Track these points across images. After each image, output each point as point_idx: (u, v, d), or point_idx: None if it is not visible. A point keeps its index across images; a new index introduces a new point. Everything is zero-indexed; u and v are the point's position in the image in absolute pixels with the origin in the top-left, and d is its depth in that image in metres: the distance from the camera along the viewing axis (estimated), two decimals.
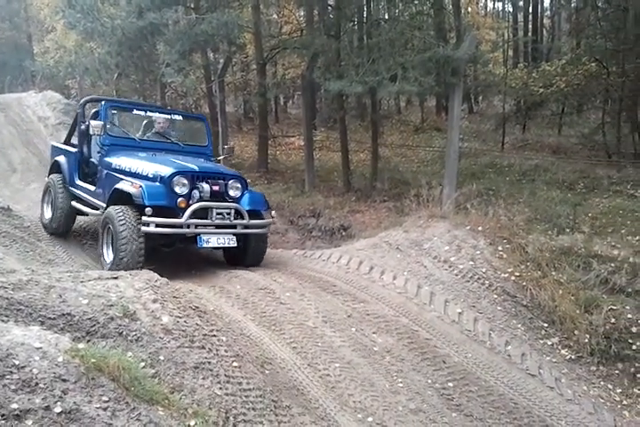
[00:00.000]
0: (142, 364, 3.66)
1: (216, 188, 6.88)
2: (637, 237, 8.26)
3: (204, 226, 6.78)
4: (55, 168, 9.07)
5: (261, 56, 16.43)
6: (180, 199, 6.64)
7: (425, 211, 8.81)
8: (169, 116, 8.40)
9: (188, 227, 6.63)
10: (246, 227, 7.10)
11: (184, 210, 6.61)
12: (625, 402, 5.85)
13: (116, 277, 4.87)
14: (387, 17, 16.53)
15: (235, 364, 4.30)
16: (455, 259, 7.47)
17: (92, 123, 7.39)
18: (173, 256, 7.66)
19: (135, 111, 8.24)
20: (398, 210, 11.02)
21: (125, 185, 6.76)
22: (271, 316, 5.73)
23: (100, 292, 4.45)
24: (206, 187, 6.80)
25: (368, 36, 14.38)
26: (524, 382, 5.63)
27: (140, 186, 6.47)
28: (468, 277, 7.13)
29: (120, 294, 4.50)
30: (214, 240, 6.78)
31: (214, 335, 4.54)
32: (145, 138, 8.06)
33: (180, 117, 8.70)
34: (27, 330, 3.28)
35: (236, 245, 6.97)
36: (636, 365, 6.20)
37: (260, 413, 3.92)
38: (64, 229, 8.63)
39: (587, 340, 6.41)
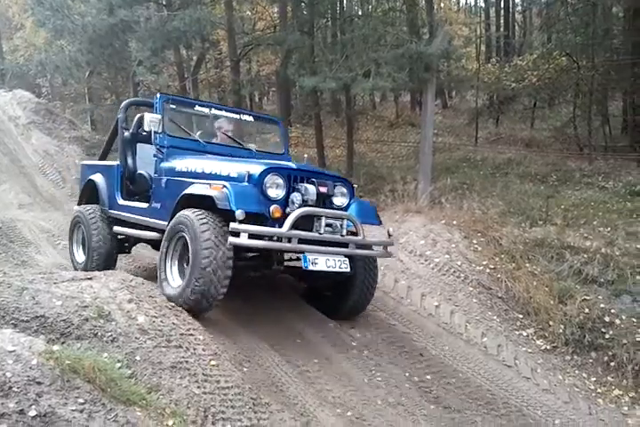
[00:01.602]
0: (118, 365, 3.63)
1: (323, 189, 5.11)
2: (609, 229, 8.39)
3: (310, 241, 4.96)
4: (88, 194, 7.31)
5: (235, 53, 16.35)
6: (273, 206, 4.83)
7: (400, 206, 8.88)
8: (237, 117, 6.77)
9: (290, 240, 4.79)
10: (360, 246, 5.31)
11: (279, 220, 4.83)
12: (599, 390, 5.96)
13: (89, 278, 4.82)
14: (360, 13, 16.59)
15: (212, 362, 4.28)
16: (431, 253, 7.54)
17: (148, 116, 5.82)
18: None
19: (197, 108, 6.58)
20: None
21: (200, 188, 5.05)
22: (247, 314, 5.72)
23: (74, 293, 4.40)
24: (311, 188, 5.04)
25: (341, 33, 14.45)
26: (500, 373, 5.71)
27: (224, 186, 4.78)
28: (444, 270, 7.20)
29: (94, 294, 4.46)
30: (322, 262, 4.94)
31: (191, 334, 4.52)
32: (212, 141, 6.35)
33: (251, 118, 7.04)
34: None
35: (349, 270, 5.14)
36: (610, 353, 6.32)
37: (238, 410, 3.91)
38: (106, 269, 6.58)
39: (561, 330, 6.52)
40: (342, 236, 5.10)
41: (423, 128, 12.06)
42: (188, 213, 4.87)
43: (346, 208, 5.36)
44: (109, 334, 4.02)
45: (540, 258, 7.45)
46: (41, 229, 9.50)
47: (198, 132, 6.32)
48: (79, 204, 7.40)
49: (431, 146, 12.03)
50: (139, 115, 6.93)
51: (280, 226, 4.77)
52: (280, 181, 4.97)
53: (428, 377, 5.28)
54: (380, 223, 5.95)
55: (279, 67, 15.42)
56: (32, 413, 2.63)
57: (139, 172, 6.55)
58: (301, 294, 6.32)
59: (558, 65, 15.97)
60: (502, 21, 25.94)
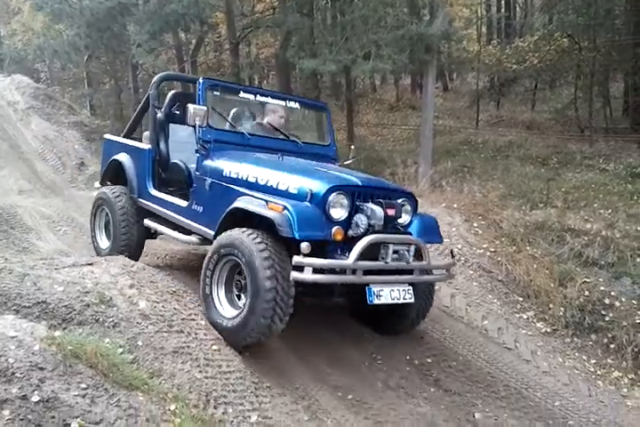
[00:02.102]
0: (120, 350, 3.65)
1: (391, 212, 4.51)
2: (609, 211, 8.39)
3: (377, 271, 4.41)
4: (112, 173, 6.59)
5: (234, 35, 16.23)
6: (335, 228, 4.26)
7: None
8: (283, 103, 5.93)
9: (355, 272, 4.21)
10: (424, 271, 4.79)
11: (341, 245, 4.33)
12: (599, 372, 6.00)
13: (90, 264, 4.83)
14: None
15: (214, 347, 4.31)
16: None
17: (192, 108, 5.00)
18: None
19: (242, 94, 5.75)
20: None
21: (254, 204, 4.42)
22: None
23: (76, 279, 4.41)
24: (378, 211, 4.42)
25: (341, 14, 14.28)
26: (500, 355, 5.74)
27: (284, 207, 4.16)
28: (444, 254, 7.20)
29: (96, 280, 4.47)
30: (387, 293, 4.42)
31: (193, 319, 4.54)
32: (256, 133, 5.63)
33: (297, 105, 6.11)
34: (1, 319, 3.26)
35: (413, 300, 4.61)
36: (609, 335, 6.35)
37: (240, 394, 3.94)
38: (132, 258, 5.86)
39: (561, 313, 6.54)
40: (408, 263, 4.50)
41: (424, 111, 12.01)
42: (243, 238, 4.25)
43: (408, 224, 4.90)
44: (111, 319, 4.04)
45: (541, 241, 7.45)
46: (41, 215, 9.49)
47: (241, 122, 5.68)
48: (102, 183, 6.71)
49: (432, 129, 12.00)
50: (172, 92, 6.51)
51: (340, 250, 4.33)
52: (345, 201, 4.38)
53: (429, 360, 5.30)
54: (442, 241, 5.37)
55: (278, 49, 15.29)
56: (35, 398, 2.65)
57: (173, 161, 5.82)
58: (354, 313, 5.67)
59: (559, 46, 15.87)
60: (503, 2, 25.69)
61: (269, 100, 5.85)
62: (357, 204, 4.50)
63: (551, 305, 6.65)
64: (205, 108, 5.09)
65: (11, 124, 16.34)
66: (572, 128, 15.50)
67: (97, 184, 6.92)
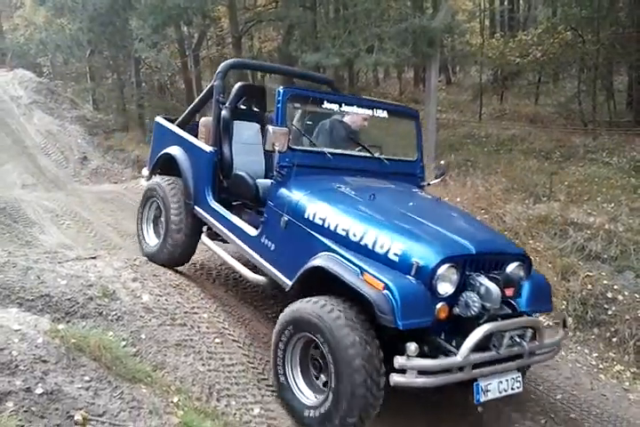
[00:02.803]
0: (123, 343, 3.68)
1: (510, 292, 3.71)
2: (612, 205, 8.36)
3: (487, 363, 3.60)
4: (163, 164, 5.83)
5: (236, 29, 16.18)
6: (440, 305, 3.46)
7: None
8: (370, 113, 4.97)
9: (462, 369, 3.45)
10: (533, 353, 3.95)
11: (443, 324, 3.53)
12: (601, 366, 5.99)
13: (94, 257, 4.87)
14: None
15: (217, 340, 4.34)
16: None
17: (273, 130, 4.11)
18: None
19: (326, 104, 4.73)
20: None
21: (342, 268, 3.59)
22: (253, 292, 5.76)
23: (79, 272, 4.44)
24: (494, 290, 3.55)
25: (344, 7, 14.22)
26: None
27: (385, 285, 3.33)
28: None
29: (99, 273, 4.50)
30: (495, 386, 3.64)
31: (195, 313, 4.57)
32: (339, 152, 4.69)
33: (385, 114, 5.03)
34: (5, 312, 3.27)
35: (522, 389, 3.82)
36: (612, 329, 6.34)
37: (243, 387, 3.97)
38: (182, 262, 5.67)
39: (564, 306, 6.53)
40: (523, 347, 3.69)
41: (426, 104, 11.99)
42: (324, 316, 3.44)
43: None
44: (114, 312, 4.06)
45: (544, 235, 7.44)
46: (45, 209, 9.52)
47: (321, 138, 4.86)
48: (151, 173, 6.00)
49: (435, 123, 11.97)
50: (238, 85, 5.64)
51: (443, 332, 3.55)
52: (455, 276, 3.55)
53: None
54: (552, 309, 4.64)
55: (281, 43, 15.27)
56: (39, 390, 2.66)
57: (238, 173, 5.03)
58: None
59: (563, 39, 15.78)
60: None
61: (355, 109, 4.92)
62: (467, 274, 3.65)
63: (554, 299, 6.63)
64: (288, 129, 4.21)
65: (14, 119, 16.38)
66: (576, 122, 15.44)
67: (145, 172, 6.17)
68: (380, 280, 3.37)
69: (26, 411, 2.53)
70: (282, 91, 4.46)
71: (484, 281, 3.58)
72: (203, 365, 3.95)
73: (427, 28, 10.86)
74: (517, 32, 19.78)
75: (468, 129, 16.34)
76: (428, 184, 5.36)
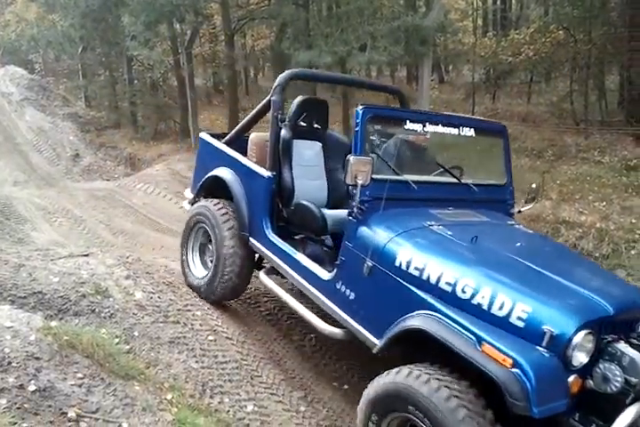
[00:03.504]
0: (116, 340, 3.67)
1: None
2: (604, 203, 8.42)
3: None
4: (211, 186, 5.09)
5: (229, 27, 16.15)
6: (572, 378, 2.82)
7: None
8: (456, 132, 4.16)
9: None
10: None
11: (572, 398, 2.81)
12: None
13: (86, 255, 4.85)
14: None
15: (210, 337, 4.33)
16: None
17: (354, 160, 3.38)
18: None
19: (409, 125, 3.95)
20: None
21: (452, 334, 2.91)
22: (246, 289, 5.75)
23: (71, 269, 4.43)
24: (638, 359, 2.84)
25: (337, 5, 14.22)
26: None
27: (514, 362, 2.67)
28: None
29: (91, 271, 4.48)
30: None
31: (189, 310, 4.56)
32: (423, 180, 3.99)
33: (472, 132, 4.23)
34: None
35: None
36: None
37: (236, 384, 3.97)
38: (233, 297, 5.07)
39: None
40: None
41: (419, 103, 12.01)
42: (430, 393, 2.78)
43: None
44: (107, 310, 4.05)
45: None
46: (36, 206, 9.49)
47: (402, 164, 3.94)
48: (196, 196, 5.25)
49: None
50: (299, 99, 4.86)
51: (572, 408, 2.85)
52: (591, 343, 2.87)
53: None
54: None
55: (274, 41, 15.26)
56: (31, 387, 2.66)
57: (301, 202, 4.35)
58: None
59: (555, 39, 15.84)
60: None
61: (440, 128, 4.09)
62: (602, 339, 2.94)
63: None
64: (371, 159, 3.47)
65: (5, 116, 16.31)
66: (568, 121, 15.50)
67: (188, 194, 5.49)
68: (507, 355, 2.68)
69: (19, 408, 2.52)
70: (361, 111, 3.70)
71: (626, 350, 2.87)
72: (196, 362, 3.95)
73: (419, 26, 10.89)
74: (510, 31, 19.82)
75: None
76: (519, 211, 4.57)
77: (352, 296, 3.61)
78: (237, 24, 16.85)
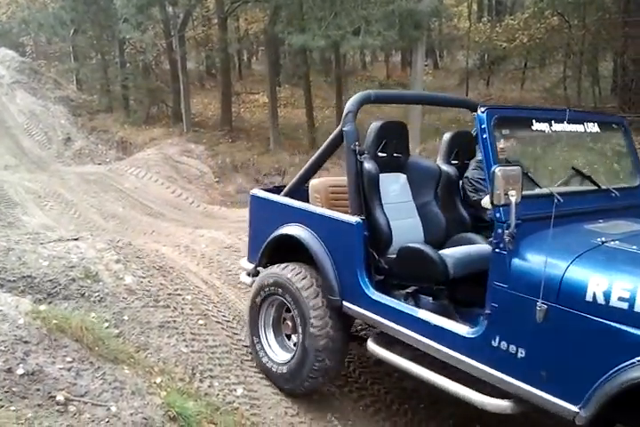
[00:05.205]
0: (106, 324, 3.68)
1: None
2: None
3: None
4: (273, 250, 4.17)
5: (222, 10, 16.01)
6: None
7: None
8: (582, 129, 3.62)
9: None
10: None
11: None
12: None
13: (76, 239, 4.84)
14: None
15: (200, 322, 4.35)
16: None
17: (501, 171, 2.70)
18: None
19: (535, 125, 3.33)
20: None
21: None
22: (237, 274, 5.76)
23: (61, 253, 4.42)
24: None
25: None
26: None
27: None
28: None
29: (81, 255, 4.48)
30: None
31: (179, 294, 4.57)
32: (565, 190, 3.28)
33: (596, 128, 3.69)
34: None
35: None
36: None
37: (226, 368, 3.98)
38: (327, 380, 3.93)
39: None
40: None
41: (412, 88, 11.99)
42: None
43: None
44: (97, 294, 4.06)
45: None
46: (27, 190, 9.44)
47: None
48: (259, 265, 4.30)
49: (420, 107, 11.95)
50: (376, 124, 4.14)
51: None
52: None
53: None
54: None
55: (267, 24, 15.13)
56: (20, 371, 2.66)
57: (410, 246, 3.58)
58: None
59: (549, 24, 15.80)
60: None
61: (565, 127, 3.47)
62: None
63: None
64: (520, 168, 2.79)
65: None
66: (561, 107, 15.51)
67: (244, 263, 4.57)
68: None
69: (7, 391, 2.53)
70: (484, 114, 3.04)
71: None
72: (186, 346, 3.96)
73: (413, 11, 10.84)
74: (504, 17, 19.76)
75: (453, 113, 16.33)
76: None
77: (521, 353, 2.79)
78: (230, 7, 16.68)
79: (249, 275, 4.41)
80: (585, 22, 14.70)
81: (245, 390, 3.80)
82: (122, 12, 14.11)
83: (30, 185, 9.82)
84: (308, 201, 4.19)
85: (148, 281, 4.50)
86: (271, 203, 4.32)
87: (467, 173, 3.95)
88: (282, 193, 4.34)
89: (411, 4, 10.94)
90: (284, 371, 3.86)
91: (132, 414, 2.69)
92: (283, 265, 3.99)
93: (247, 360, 4.17)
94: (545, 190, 3.07)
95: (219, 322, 4.52)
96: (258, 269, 4.29)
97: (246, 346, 4.31)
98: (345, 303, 3.67)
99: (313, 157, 4.25)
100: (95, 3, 16.04)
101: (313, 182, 4.31)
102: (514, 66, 20.07)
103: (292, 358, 3.86)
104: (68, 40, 20.21)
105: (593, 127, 3.65)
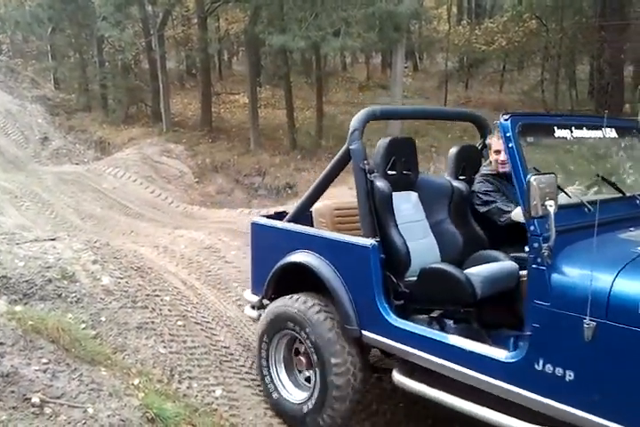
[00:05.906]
0: (83, 325, 3.65)
1: None
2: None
3: None
4: (279, 280, 3.93)
5: (202, 9, 15.92)
6: None
7: None
8: (600, 134, 3.51)
9: None
10: None
11: None
12: None
13: (53, 239, 4.78)
14: None
15: (179, 323, 4.32)
16: None
17: (539, 182, 2.54)
18: None
19: (558, 132, 3.26)
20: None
21: None
22: (217, 275, 5.74)
23: (37, 254, 4.37)
24: None
25: None
26: None
27: None
28: None
29: (58, 255, 4.43)
30: None
31: (157, 295, 4.54)
32: (594, 199, 3.05)
33: (614, 133, 3.60)
34: None
35: None
36: None
37: (205, 369, 3.97)
38: (350, 414, 3.57)
39: None
40: None
41: (392, 89, 12.04)
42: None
43: None
44: (73, 294, 4.01)
45: None
46: (3, 190, 9.32)
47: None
48: (265, 297, 4.05)
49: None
50: (385, 141, 3.91)
51: None
52: None
53: None
54: None
55: (248, 25, 15.09)
56: None
57: (431, 266, 3.41)
58: None
59: (528, 28, 15.99)
60: None
61: (585, 133, 3.44)
62: None
63: None
64: (555, 176, 2.65)
65: None
66: (539, 110, 15.63)
67: (248, 295, 4.32)
68: None
69: None
70: (508, 121, 2.90)
71: None
72: (164, 347, 3.93)
73: (393, 13, 10.89)
74: (484, 20, 19.94)
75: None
76: None
77: (570, 376, 2.57)
78: (211, 7, 16.59)
79: (254, 308, 4.17)
80: (562, 26, 14.91)
81: (224, 391, 3.79)
82: (100, 11, 14.00)
83: (6, 185, 9.69)
84: (312, 226, 4.05)
85: (126, 282, 4.46)
86: (275, 230, 4.09)
87: (473, 188, 3.90)
88: (285, 219, 4.15)
89: (390, 6, 10.98)
90: (304, 411, 3.55)
91: (109, 416, 2.66)
92: (293, 296, 3.71)
93: (226, 361, 4.16)
94: (575, 199, 2.93)
95: (197, 323, 4.50)
96: (263, 301, 4.06)
97: (225, 347, 4.31)
98: (364, 333, 3.42)
99: (318, 180, 4.05)
100: (73, 1, 15.86)
101: (317, 206, 4.15)
102: (492, 69, 20.28)
103: (307, 399, 3.58)
104: (45, 38, 19.96)
105: (610, 133, 3.54)
